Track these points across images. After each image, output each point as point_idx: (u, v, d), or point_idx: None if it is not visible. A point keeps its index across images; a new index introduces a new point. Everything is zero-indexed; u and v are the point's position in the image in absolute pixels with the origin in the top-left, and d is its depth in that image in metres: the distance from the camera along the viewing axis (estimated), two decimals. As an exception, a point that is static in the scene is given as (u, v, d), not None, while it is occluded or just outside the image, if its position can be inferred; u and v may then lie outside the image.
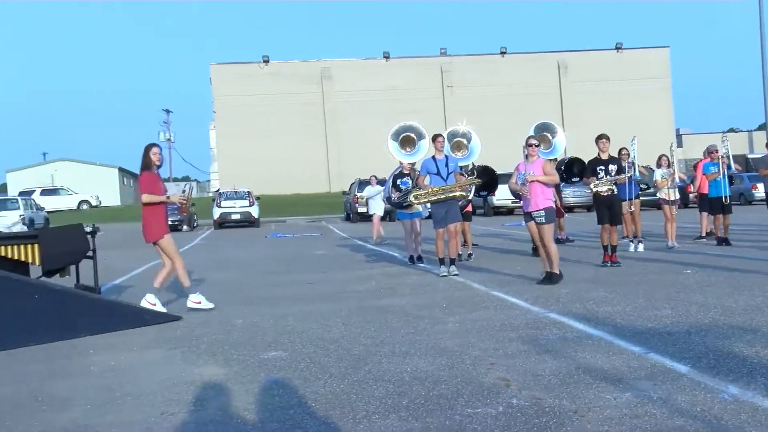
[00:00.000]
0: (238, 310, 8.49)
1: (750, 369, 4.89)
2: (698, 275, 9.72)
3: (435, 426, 4.10)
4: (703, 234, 15.15)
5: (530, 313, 7.50)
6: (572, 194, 30.58)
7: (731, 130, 68.61)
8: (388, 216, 28.10)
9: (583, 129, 45.22)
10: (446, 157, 11.27)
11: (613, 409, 4.22)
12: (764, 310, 6.96)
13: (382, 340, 6.49)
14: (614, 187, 11.29)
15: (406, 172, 13.01)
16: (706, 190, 14.67)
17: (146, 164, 8.42)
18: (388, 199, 13.75)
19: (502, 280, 10.29)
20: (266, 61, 60.82)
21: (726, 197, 13.85)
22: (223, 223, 32.79)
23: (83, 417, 4.59)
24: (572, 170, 14.14)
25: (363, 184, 28.27)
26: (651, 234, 15.82)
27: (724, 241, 13.74)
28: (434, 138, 11.27)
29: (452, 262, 11.16)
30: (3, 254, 8.04)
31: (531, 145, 9.97)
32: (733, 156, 14.49)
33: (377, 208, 20.11)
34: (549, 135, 14.27)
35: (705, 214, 15.10)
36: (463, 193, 11.32)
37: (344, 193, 38.44)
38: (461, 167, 12.24)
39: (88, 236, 8.85)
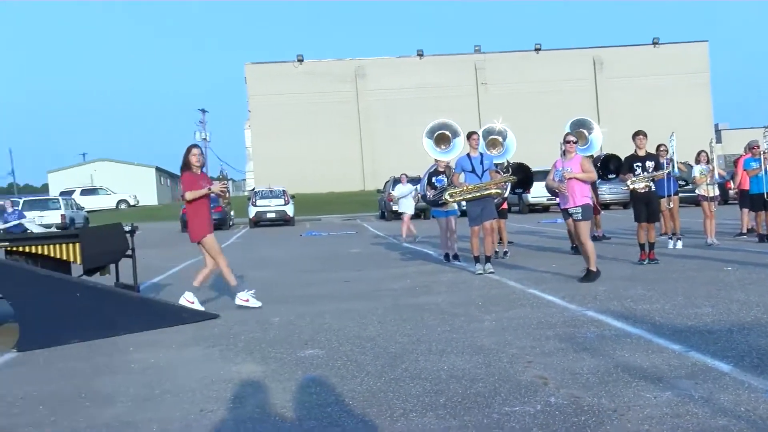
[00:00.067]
0: (274, 309, 8.54)
1: (794, 368, 4.79)
2: (739, 272, 9.56)
3: (473, 424, 4.08)
4: (744, 231, 14.91)
5: (567, 311, 7.45)
6: (608, 191, 30.54)
7: (772, 125, 67.18)
8: (422, 214, 28.08)
9: (620, 125, 44.62)
10: (481, 154, 11.22)
11: (653, 408, 4.16)
12: (808, 308, 6.83)
13: (419, 338, 6.49)
14: (652, 184, 11.15)
15: (441, 169, 12.97)
16: (747, 187, 14.47)
17: (186, 165, 8.54)
18: (423, 197, 13.73)
19: (538, 277, 10.23)
20: (300, 61, 61.02)
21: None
22: (258, 221, 32.95)
23: (125, 413, 4.66)
24: (608, 167, 14.02)
25: (397, 182, 28.26)
26: (690, 231, 15.60)
27: (766, 238, 13.52)
28: (469, 135, 11.25)
29: (488, 259, 11.11)
30: (46, 253, 8.20)
31: (569, 142, 9.92)
32: (775, 151, 14.24)
33: (407, 207, 20.06)
34: (585, 131, 14.16)
35: (746, 210, 14.87)
36: (498, 191, 11.26)
37: (379, 191, 38.48)
38: (496, 165, 12.18)
39: (127, 235, 9.00)
